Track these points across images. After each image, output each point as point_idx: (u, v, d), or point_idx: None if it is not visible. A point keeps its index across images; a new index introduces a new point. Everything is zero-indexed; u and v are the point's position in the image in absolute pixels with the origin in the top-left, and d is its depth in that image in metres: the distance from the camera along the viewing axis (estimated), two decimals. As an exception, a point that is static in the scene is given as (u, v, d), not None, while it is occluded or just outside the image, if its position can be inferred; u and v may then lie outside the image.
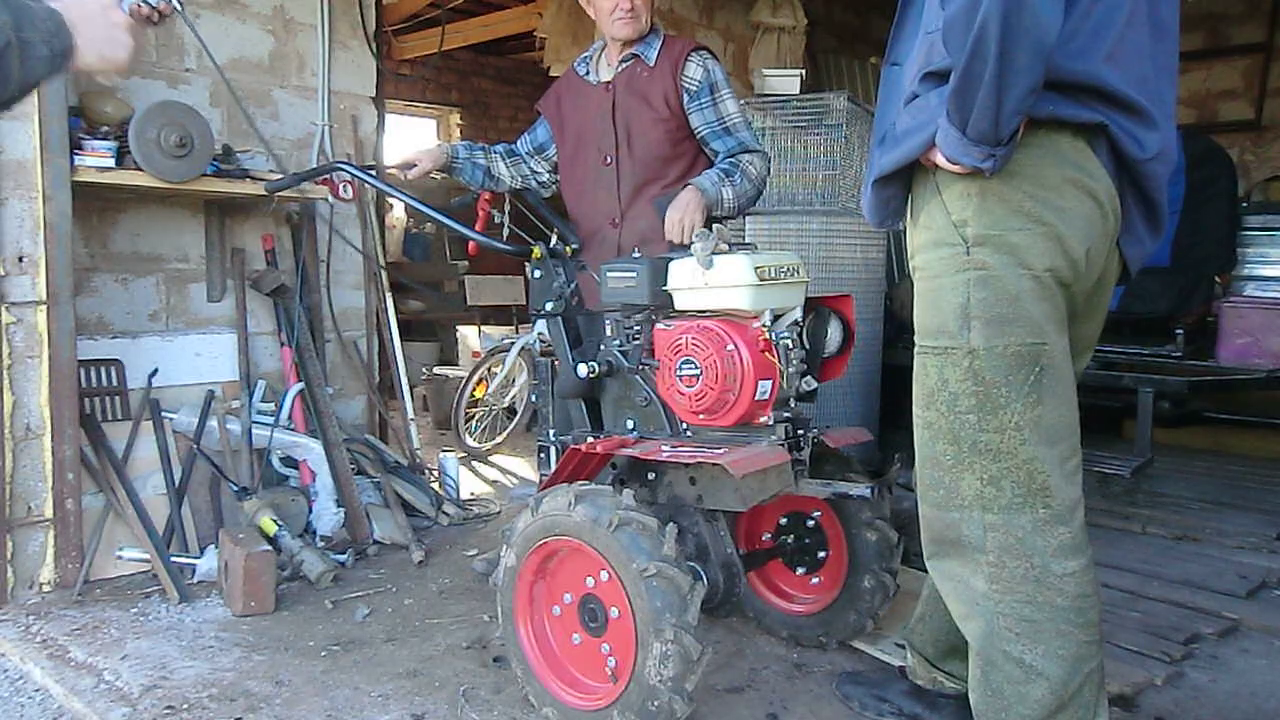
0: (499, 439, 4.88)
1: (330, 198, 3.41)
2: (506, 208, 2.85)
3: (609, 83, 2.60)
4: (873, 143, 1.66)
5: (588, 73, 2.67)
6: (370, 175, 2.47)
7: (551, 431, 2.36)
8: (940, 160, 1.44)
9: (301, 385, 3.26)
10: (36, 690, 2.18)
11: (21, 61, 1.19)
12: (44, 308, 2.63)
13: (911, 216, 1.60)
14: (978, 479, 1.50)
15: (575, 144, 2.68)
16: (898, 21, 1.63)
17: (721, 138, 2.56)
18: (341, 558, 2.95)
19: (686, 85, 2.53)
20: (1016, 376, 1.46)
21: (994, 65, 1.26)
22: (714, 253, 1.92)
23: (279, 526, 2.84)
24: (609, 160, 2.60)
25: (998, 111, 1.30)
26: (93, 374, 2.91)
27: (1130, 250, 1.57)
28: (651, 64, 2.55)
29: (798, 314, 2.02)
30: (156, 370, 3.03)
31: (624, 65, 2.59)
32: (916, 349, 1.58)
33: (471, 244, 2.34)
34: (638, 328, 2.11)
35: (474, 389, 4.74)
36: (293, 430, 3.19)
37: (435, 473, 3.75)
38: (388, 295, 3.75)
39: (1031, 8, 1.24)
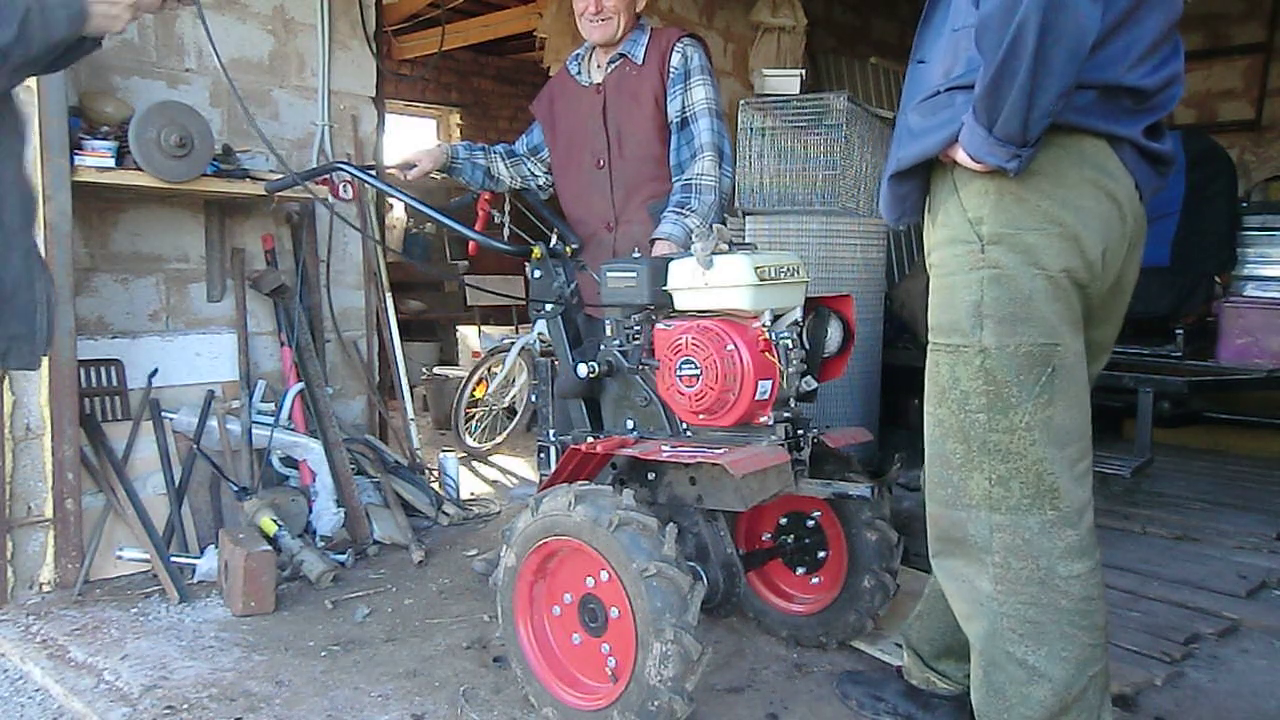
0: (499, 439, 4.88)
1: (330, 198, 3.41)
2: (506, 208, 2.85)
3: (599, 85, 2.59)
4: (894, 138, 1.65)
5: (579, 72, 2.66)
6: (370, 175, 2.47)
7: (551, 431, 2.36)
8: (962, 158, 1.43)
9: (301, 385, 3.26)
10: (36, 690, 2.18)
11: (44, 23, 1.35)
12: (44, 308, 2.63)
13: (929, 213, 1.60)
14: (986, 479, 1.49)
15: (568, 147, 2.67)
16: (924, 18, 1.62)
17: (679, 132, 2.52)
18: (341, 558, 2.95)
19: (670, 77, 2.51)
20: (1028, 377, 1.45)
21: (1029, 65, 1.26)
22: (714, 253, 1.92)
23: (279, 526, 2.84)
24: (601, 163, 2.59)
25: (1029, 112, 1.29)
26: (93, 374, 2.91)
27: (1156, 189, 1.55)
28: (640, 62, 2.54)
29: (798, 314, 2.02)
30: (156, 370, 3.03)
31: (613, 66, 2.57)
32: (929, 346, 1.58)
33: (471, 244, 2.34)
34: (638, 328, 2.10)
35: (474, 389, 4.74)
36: (293, 430, 3.19)
37: (435, 473, 3.75)
38: (388, 295, 3.75)
39: (1072, 9, 1.24)
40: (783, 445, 1.94)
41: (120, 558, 2.77)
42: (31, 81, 2.59)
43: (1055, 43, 1.25)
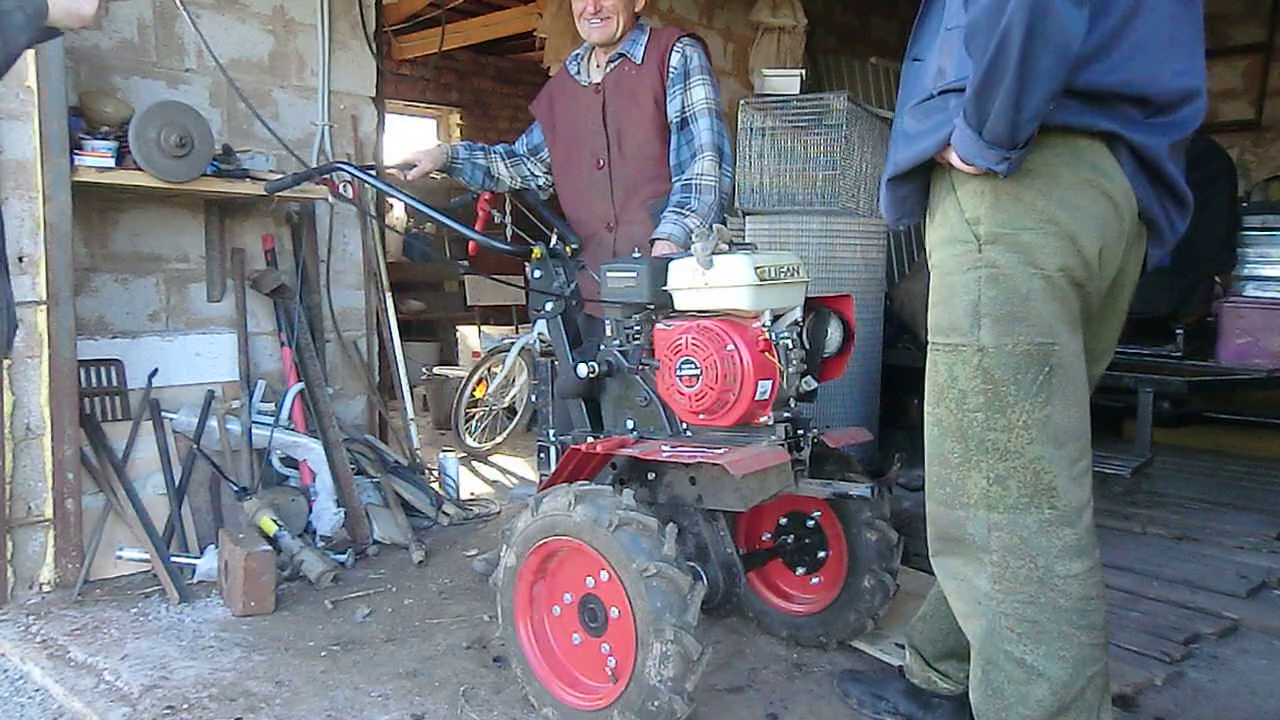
0: (499, 439, 4.88)
1: (330, 198, 3.41)
2: (507, 208, 2.85)
3: (598, 84, 2.59)
4: (891, 141, 1.66)
5: (578, 72, 2.66)
6: (370, 175, 2.47)
7: (551, 431, 2.36)
8: (954, 160, 1.44)
9: (301, 385, 3.26)
10: (36, 690, 2.18)
11: (2, 33, 1.28)
12: (44, 308, 2.63)
13: (929, 214, 1.60)
14: (984, 477, 1.50)
15: (568, 147, 2.67)
16: (920, 16, 1.63)
17: (679, 132, 2.51)
18: (341, 558, 2.95)
19: (670, 77, 2.51)
20: (1025, 375, 1.45)
21: (1015, 69, 1.26)
22: (714, 253, 1.92)
23: (279, 526, 2.84)
24: (601, 163, 2.59)
25: (1016, 115, 1.30)
26: (93, 374, 2.91)
27: (1161, 237, 1.54)
28: (639, 62, 2.54)
29: (798, 314, 2.02)
30: (156, 370, 3.03)
31: (612, 66, 2.58)
32: (929, 345, 1.58)
33: (471, 244, 2.34)
34: (638, 328, 2.10)
35: (474, 389, 4.74)
36: (293, 430, 3.19)
37: (435, 473, 3.75)
38: (388, 295, 3.75)
39: (1056, 14, 1.24)
40: (783, 445, 1.93)
41: (120, 558, 2.77)
42: (31, 81, 2.59)
43: (1040, 47, 1.25)
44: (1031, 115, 1.31)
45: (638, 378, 2.10)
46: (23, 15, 1.31)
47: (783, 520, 2.38)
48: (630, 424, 2.14)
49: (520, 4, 6.03)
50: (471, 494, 3.96)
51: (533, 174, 2.82)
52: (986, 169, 1.39)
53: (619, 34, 2.53)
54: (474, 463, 4.59)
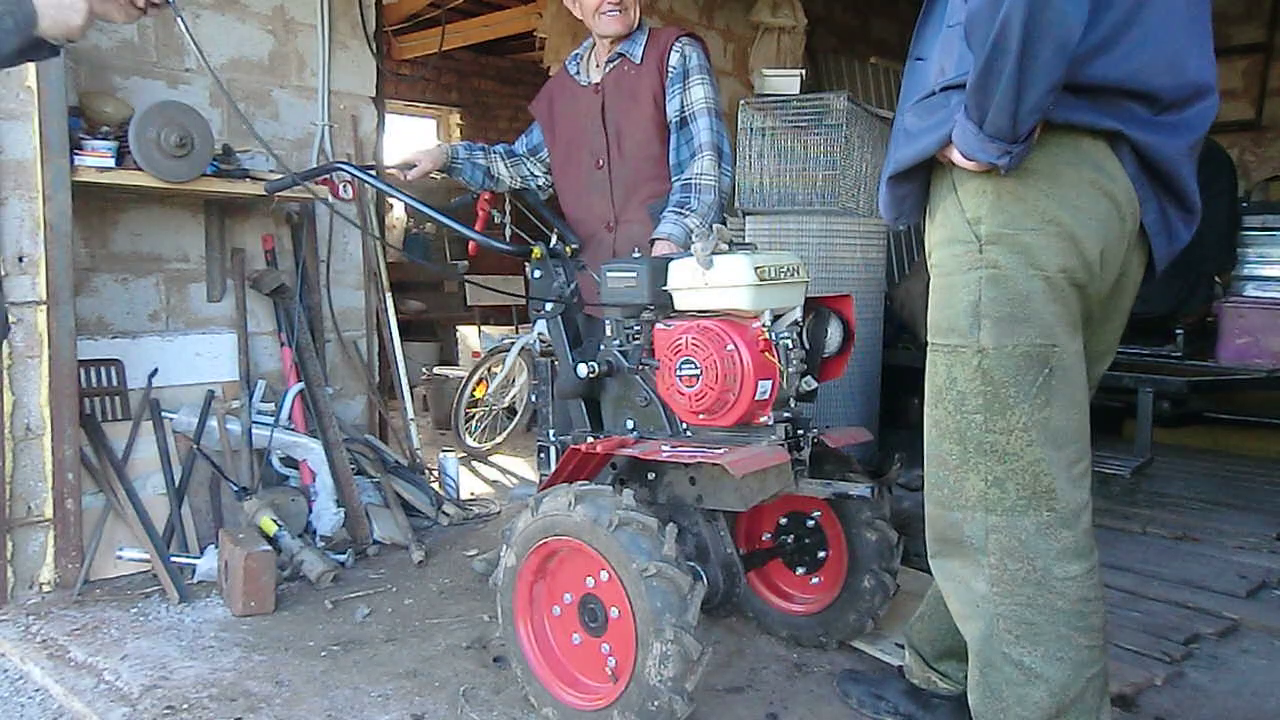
0: (499, 439, 4.88)
1: (330, 198, 3.41)
2: (507, 208, 2.85)
3: (598, 84, 2.60)
4: (891, 139, 1.65)
5: (578, 72, 2.66)
6: (370, 175, 2.47)
7: (551, 431, 2.36)
8: (955, 157, 1.43)
9: (301, 385, 3.26)
10: (36, 690, 2.18)
11: None
12: (44, 308, 2.63)
13: (929, 214, 1.59)
14: (982, 479, 1.49)
15: (567, 147, 2.67)
16: (922, 16, 1.62)
17: (678, 131, 2.52)
18: (341, 558, 2.95)
19: (669, 77, 2.51)
20: (1025, 377, 1.45)
21: (1015, 61, 1.25)
22: (714, 253, 1.92)
23: (279, 526, 2.84)
24: (601, 163, 2.59)
25: (1016, 108, 1.29)
26: (93, 374, 2.91)
27: (1160, 245, 1.53)
28: (638, 61, 2.54)
29: (798, 314, 2.02)
30: (156, 370, 3.03)
31: (611, 65, 2.58)
32: (928, 346, 1.57)
33: (471, 244, 2.34)
34: (638, 328, 2.10)
35: (474, 389, 4.74)
36: (293, 430, 3.19)
37: (435, 473, 3.75)
38: (388, 295, 3.75)
39: (1056, 5, 1.24)
40: (783, 445, 1.93)
41: (120, 558, 2.77)
42: (31, 81, 2.59)
43: (1040, 38, 1.24)
44: (1032, 107, 1.30)
45: (638, 378, 2.10)
46: (11, 20, 1.30)
47: (783, 520, 2.38)
48: (630, 424, 2.14)
49: (520, 4, 6.03)
50: (471, 494, 3.96)
51: (532, 174, 2.82)
52: (988, 164, 1.38)
53: (635, 24, 2.53)
54: (474, 463, 4.59)
